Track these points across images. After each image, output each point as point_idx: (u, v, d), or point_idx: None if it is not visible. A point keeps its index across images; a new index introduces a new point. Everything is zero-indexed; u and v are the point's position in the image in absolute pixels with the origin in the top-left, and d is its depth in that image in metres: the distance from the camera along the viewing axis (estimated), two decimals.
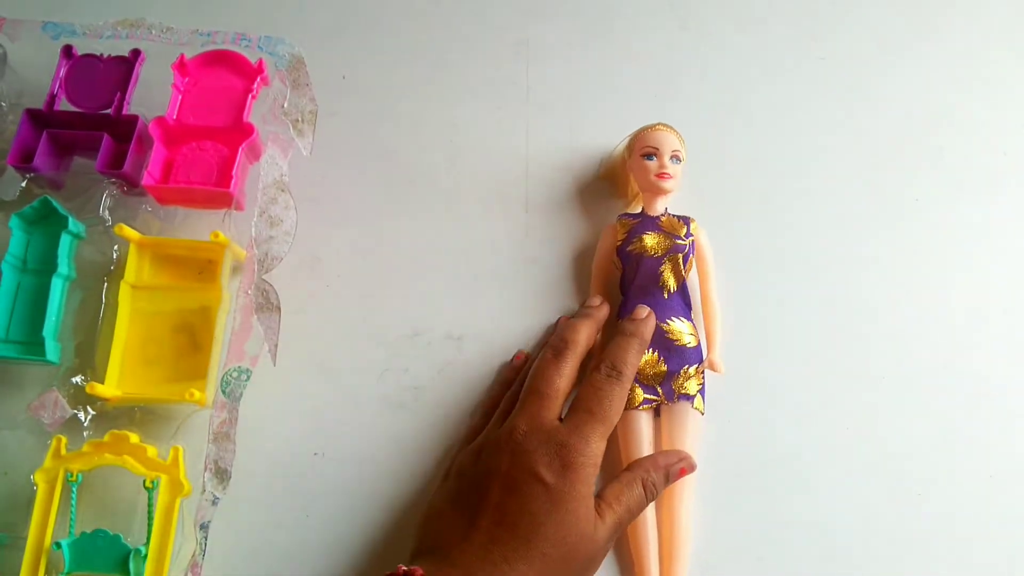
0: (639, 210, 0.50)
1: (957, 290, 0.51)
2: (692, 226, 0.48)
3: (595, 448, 0.41)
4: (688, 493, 0.45)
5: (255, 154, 0.49)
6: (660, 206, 0.49)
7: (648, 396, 0.46)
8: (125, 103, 0.48)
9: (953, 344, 0.50)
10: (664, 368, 0.46)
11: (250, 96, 0.49)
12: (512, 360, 0.48)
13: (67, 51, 0.49)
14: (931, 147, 0.55)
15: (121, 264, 0.46)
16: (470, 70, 0.56)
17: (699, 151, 0.52)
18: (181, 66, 0.49)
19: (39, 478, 0.41)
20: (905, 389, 0.49)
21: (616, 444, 0.46)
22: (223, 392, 0.42)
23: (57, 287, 0.45)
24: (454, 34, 0.57)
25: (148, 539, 0.40)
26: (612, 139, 0.52)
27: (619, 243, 0.49)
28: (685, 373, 0.46)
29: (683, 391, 0.46)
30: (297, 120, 0.48)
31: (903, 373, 0.49)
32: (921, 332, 0.50)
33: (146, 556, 0.40)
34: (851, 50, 0.57)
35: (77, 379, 0.44)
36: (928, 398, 0.49)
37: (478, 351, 0.49)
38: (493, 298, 0.50)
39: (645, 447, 0.45)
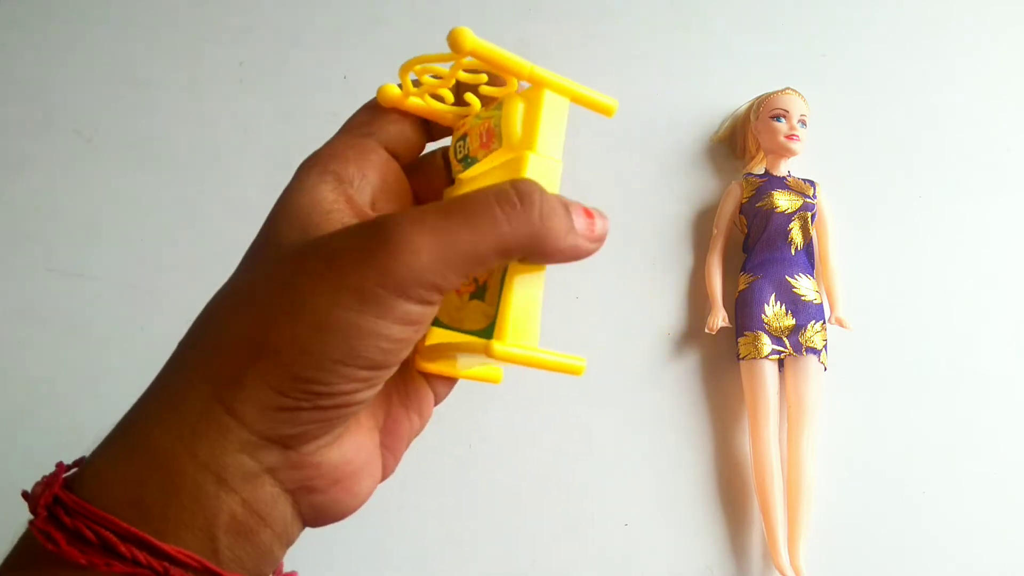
0: (761, 171, 0.51)
1: None
2: (817, 188, 0.50)
3: None
4: (813, 440, 0.46)
5: None
6: (784, 167, 0.50)
7: (776, 348, 0.47)
8: None
9: None
10: (792, 322, 0.47)
11: None
12: None
13: None
14: None
15: None
16: None
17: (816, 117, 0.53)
18: None
19: None
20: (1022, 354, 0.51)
21: (741, 393, 0.47)
22: None
23: None
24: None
25: None
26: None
27: (745, 200, 0.50)
28: (812, 327, 0.47)
29: (810, 345, 0.47)
30: None
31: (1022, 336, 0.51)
32: None
33: None
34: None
35: None
36: None
37: None
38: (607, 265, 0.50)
39: (771, 396, 0.46)
